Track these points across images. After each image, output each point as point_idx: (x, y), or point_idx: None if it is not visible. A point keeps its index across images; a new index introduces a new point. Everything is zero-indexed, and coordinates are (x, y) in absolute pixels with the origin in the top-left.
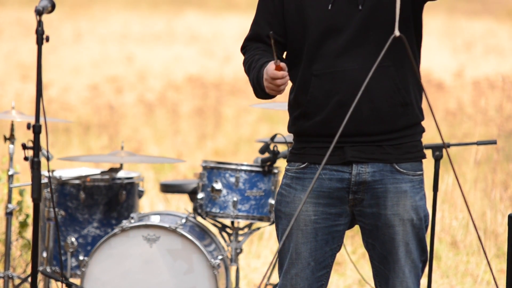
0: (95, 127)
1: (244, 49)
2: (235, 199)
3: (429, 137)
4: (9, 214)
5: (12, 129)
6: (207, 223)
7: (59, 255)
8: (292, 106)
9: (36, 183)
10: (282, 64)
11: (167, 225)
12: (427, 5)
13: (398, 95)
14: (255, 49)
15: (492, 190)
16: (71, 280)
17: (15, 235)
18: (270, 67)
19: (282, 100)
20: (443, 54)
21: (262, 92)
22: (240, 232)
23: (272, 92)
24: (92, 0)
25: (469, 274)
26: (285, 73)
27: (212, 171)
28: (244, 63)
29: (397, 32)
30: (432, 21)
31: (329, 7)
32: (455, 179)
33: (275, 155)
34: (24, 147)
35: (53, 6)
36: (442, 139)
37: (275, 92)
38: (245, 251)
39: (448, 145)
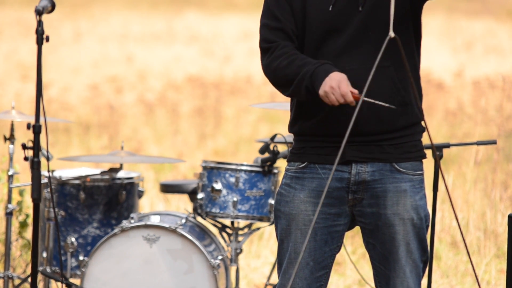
0: (95, 127)
1: (270, 43)
2: (235, 199)
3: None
4: (9, 214)
5: (12, 129)
6: (207, 223)
7: (59, 255)
8: (293, 105)
9: (36, 183)
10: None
11: (167, 225)
12: (427, 5)
13: (397, 95)
14: (291, 48)
15: (492, 190)
16: (71, 280)
17: (15, 235)
18: (347, 87)
19: (282, 100)
20: (443, 54)
21: (304, 89)
22: (240, 232)
23: (328, 99)
24: (92, 0)
25: (469, 274)
26: (352, 101)
27: (212, 171)
28: (280, 57)
29: (391, 33)
30: (432, 21)
31: (330, 8)
32: (455, 179)
33: (275, 155)
34: (24, 147)
35: (53, 6)
36: (431, 140)
37: (330, 101)
38: (245, 251)
39: (448, 145)
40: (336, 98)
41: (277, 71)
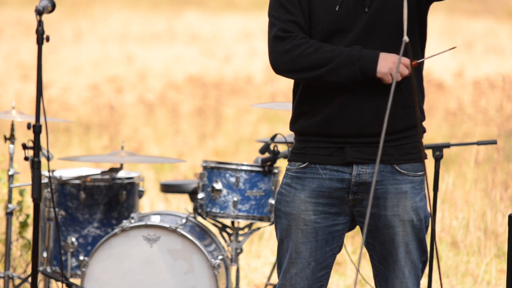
0: (95, 127)
1: (288, 32)
2: (235, 199)
3: (429, 137)
4: (9, 214)
5: (12, 129)
6: (207, 223)
7: (59, 255)
8: (296, 103)
9: (36, 183)
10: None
11: (167, 225)
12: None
13: (400, 97)
14: (310, 39)
15: (492, 190)
16: (71, 280)
17: (15, 235)
18: (405, 59)
19: (282, 100)
20: (443, 54)
21: (359, 74)
22: (240, 232)
23: (386, 79)
24: (92, 0)
25: (469, 274)
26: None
27: (212, 171)
28: (303, 45)
29: (406, 38)
30: (432, 21)
31: (337, 8)
32: (456, 179)
33: (275, 155)
34: (24, 147)
35: (53, 6)
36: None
37: (387, 80)
38: (245, 251)
39: (448, 145)
40: (401, 73)
41: (301, 57)
